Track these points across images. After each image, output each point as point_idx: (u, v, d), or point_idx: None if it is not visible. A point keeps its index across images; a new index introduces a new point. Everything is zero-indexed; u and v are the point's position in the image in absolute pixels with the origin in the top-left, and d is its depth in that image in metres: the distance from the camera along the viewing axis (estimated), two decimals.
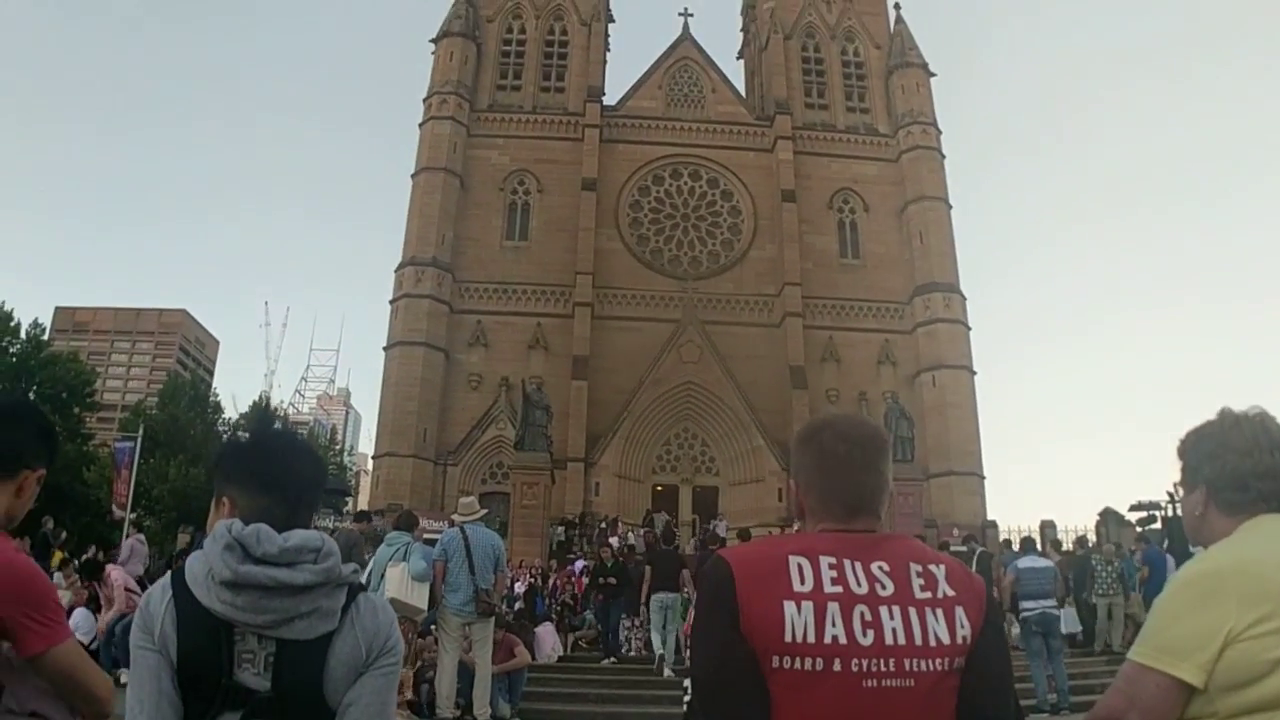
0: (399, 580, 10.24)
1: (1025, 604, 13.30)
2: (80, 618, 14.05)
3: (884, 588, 2.04)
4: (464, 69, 48.28)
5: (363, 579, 10.52)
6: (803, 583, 2.01)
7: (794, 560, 2.04)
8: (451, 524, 12.00)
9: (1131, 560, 18.17)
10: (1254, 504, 2.26)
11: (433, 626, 12.12)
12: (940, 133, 49.24)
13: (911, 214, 47.02)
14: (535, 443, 29.27)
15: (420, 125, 47.90)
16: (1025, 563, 13.91)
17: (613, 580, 16.58)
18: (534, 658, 13.46)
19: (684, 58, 51.15)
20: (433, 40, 49.54)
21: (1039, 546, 18.40)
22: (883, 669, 1.97)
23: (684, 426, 44.18)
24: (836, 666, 1.95)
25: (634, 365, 43.42)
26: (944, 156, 48.90)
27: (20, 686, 2.53)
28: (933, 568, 2.10)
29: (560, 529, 33.22)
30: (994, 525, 31.52)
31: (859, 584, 2.04)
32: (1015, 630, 13.63)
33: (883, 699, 1.96)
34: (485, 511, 11.63)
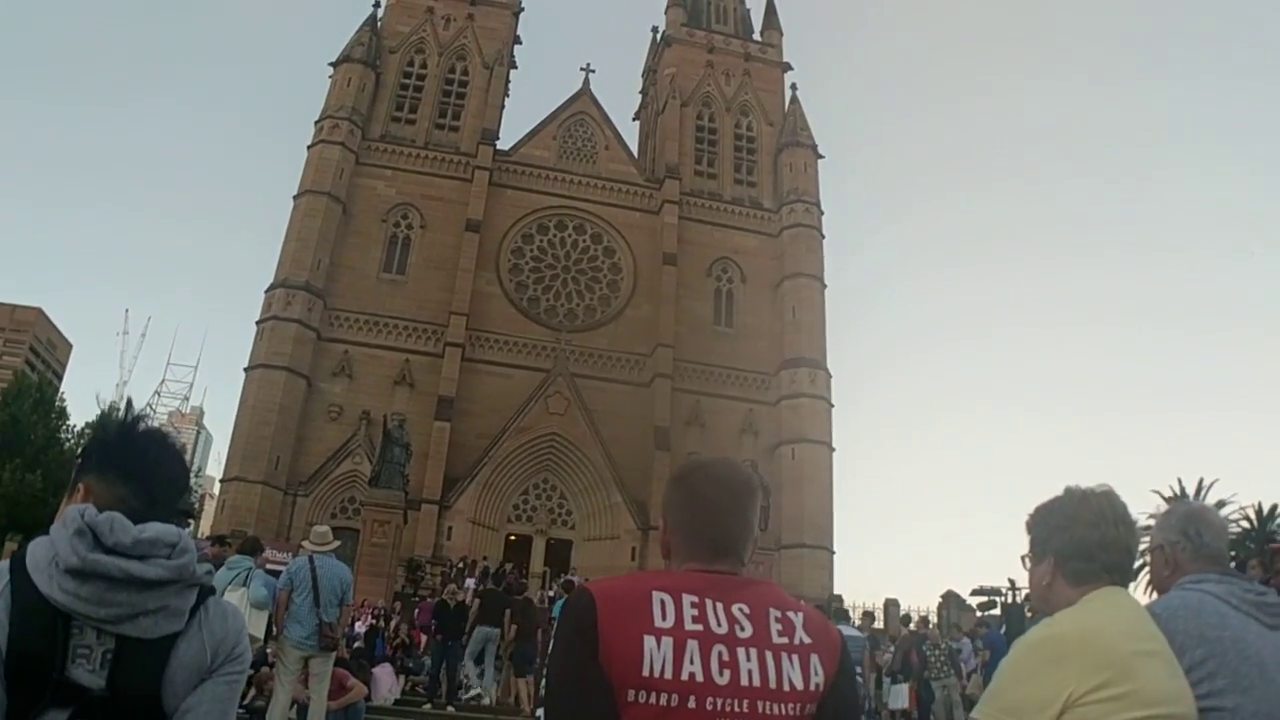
0: (238, 606, 9.87)
1: None
2: None
3: (743, 630, 2.06)
4: (360, 96, 47.75)
5: None
6: (664, 618, 2.02)
7: (657, 595, 2.04)
8: (299, 551, 11.66)
9: (962, 641, 18.71)
10: (1098, 575, 2.38)
11: (269, 654, 11.73)
12: (822, 213, 50.63)
13: (786, 289, 48.07)
14: (391, 480, 28.66)
15: (309, 147, 47.04)
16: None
17: (457, 624, 16.31)
18: (370, 697, 13.12)
19: (581, 112, 51.68)
20: (332, 64, 48.98)
21: (875, 623, 18.98)
22: (735, 710, 1.98)
23: (544, 477, 43.94)
24: (691, 704, 1.96)
25: (500, 411, 43.13)
26: (823, 236, 50.22)
27: None
28: (791, 614, 2.12)
29: (402, 570, 32.55)
30: (839, 600, 31.94)
31: (719, 624, 2.05)
32: None
33: None
34: (338, 544, 11.31)
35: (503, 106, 51.66)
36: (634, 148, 55.22)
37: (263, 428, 41.51)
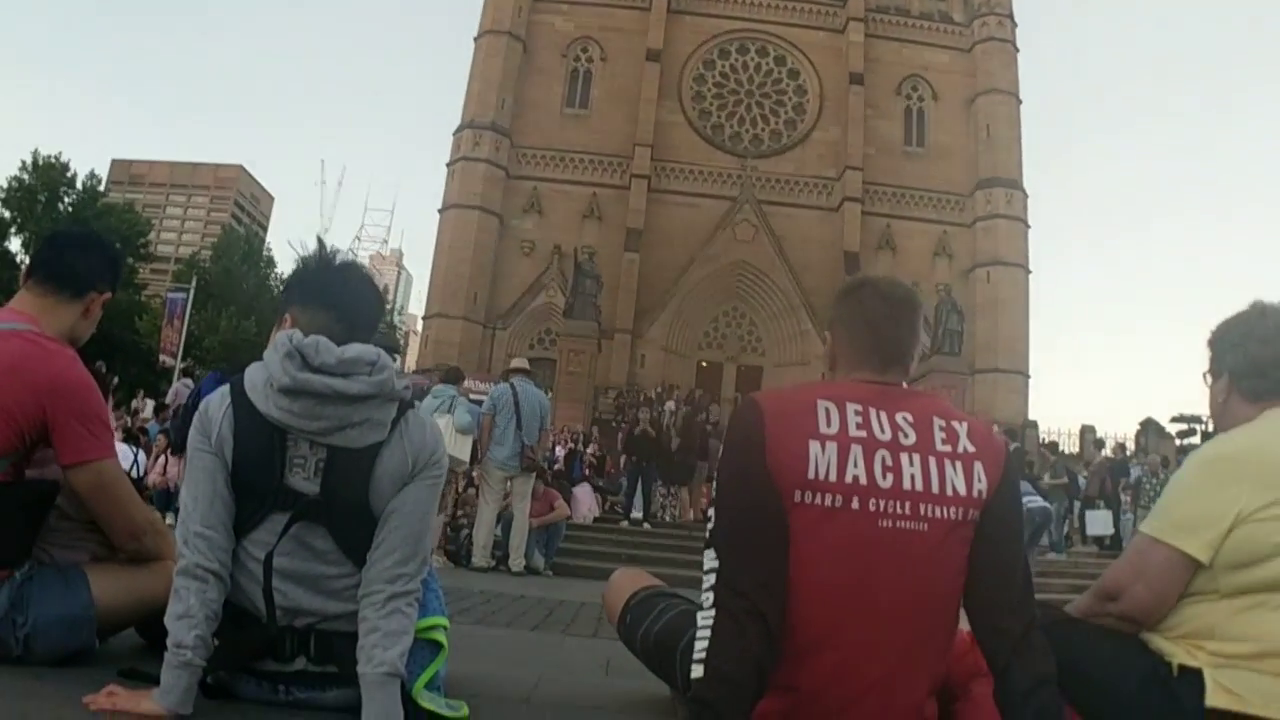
0: (443, 432, 10.45)
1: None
2: (121, 448, 14.56)
3: (906, 436, 2.15)
4: None
5: None
6: (829, 425, 2.12)
7: (822, 404, 2.15)
8: (504, 378, 12.19)
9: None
10: (1275, 391, 2.32)
11: (474, 476, 12.40)
12: (1016, 25, 47.38)
13: (980, 106, 45.73)
14: (584, 311, 29.38)
15: None
16: None
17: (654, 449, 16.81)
18: (571, 516, 13.80)
19: None
20: None
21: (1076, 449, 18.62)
22: (898, 510, 2.09)
23: (733, 305, 44.13)
24: (855, 504, 2.07)
25: (687, 241, 43.19)
26: (1018, 50, 47.19)
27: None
28: (956, 424, 2.20)
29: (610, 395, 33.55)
30: (1034, 425, 31.27)
31: (883, 430, 2.14)
32: None
33: (896, 539, 2.08)
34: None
35: None
36: None
37: (460, 265, 42.98)
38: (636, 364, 41.40)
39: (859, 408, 2.15)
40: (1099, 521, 17.75)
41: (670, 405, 26.22)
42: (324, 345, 2.24)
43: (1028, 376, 43.62)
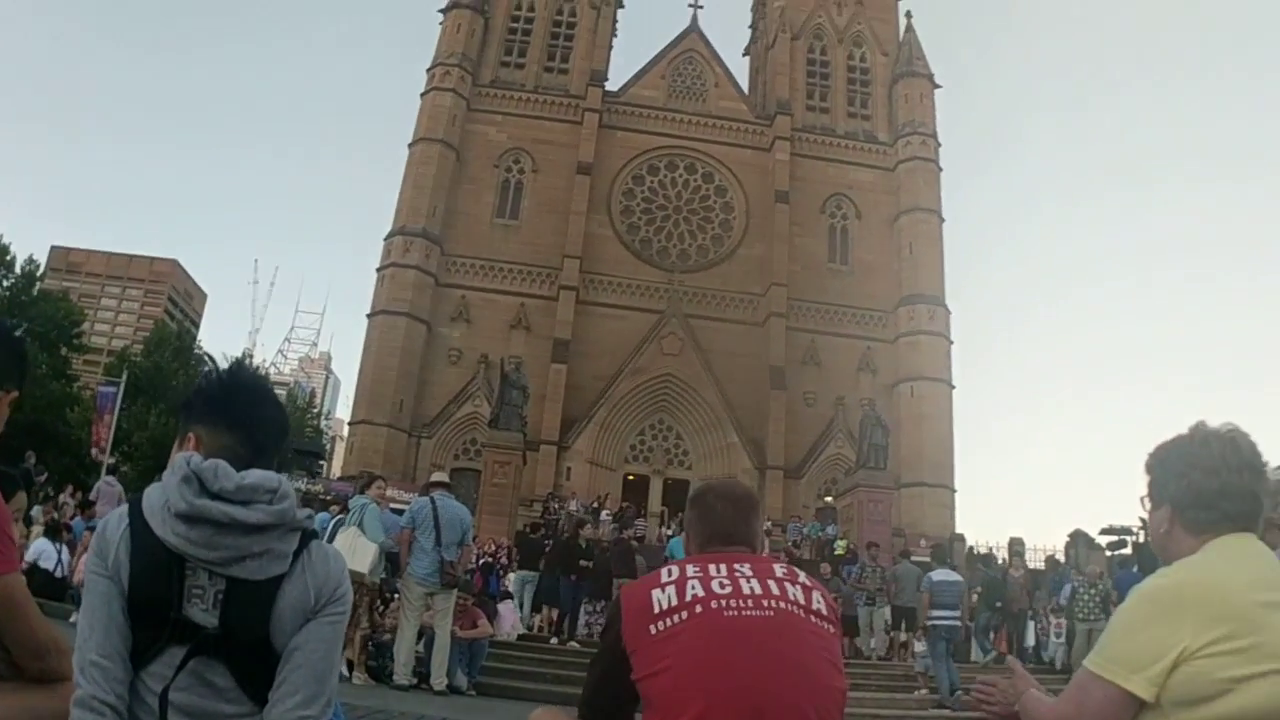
0: (345, 543, 10.26)
1: (935, 613, 14.25)
2: (43, 544, 14.07)
3: (743, 573, 2.50)
4: (470, 41, 48.13)
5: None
6: (669, 577, 2.49)
7: (664, 570, 2.56)
8: (423, 492, 12.05)
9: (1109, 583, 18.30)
10: (1219, 524, 2.24)
11: (394, 593, 12.14)
12: (939, 145, 49.38)
13: (903, 224, 47.13)
14: (510, 422, 29.18)
15: (422, 95, 47.75)
16: (938, 575, 14.74)
17: (587, 564, 16.63)
18: (495, 633, 13.49)
19: (690, 49, 51.16)
20: (441, 10, 49.39)
21: (1000, 559, 18.84)
22: (741, 605, 2.41)
23: (659, 418, 44.25)
24: (698, 609, 2.39)
25: (615, 353, 43.47)
26: (940, 169, 49.01)
27: None
28: (795, 570, 2.60)
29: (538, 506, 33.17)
30: (961, 539, 31.61)
31: (718, 572, 2.49)
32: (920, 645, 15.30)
33: (746, 623, 2.38)
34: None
35: (610, 47, 51.44)
36: (744, 84, 54.42)
37: (386, 372, 42.70)
38: (562, 476, 41.08)
39: (697, 566, 2.51)
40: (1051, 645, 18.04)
41: (605, 516, 26.02)
42: (223, 470, 2.11)
43: (954, 490, 44.12)
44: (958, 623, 14.73)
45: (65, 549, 14.37)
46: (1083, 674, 2.19)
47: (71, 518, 17.96)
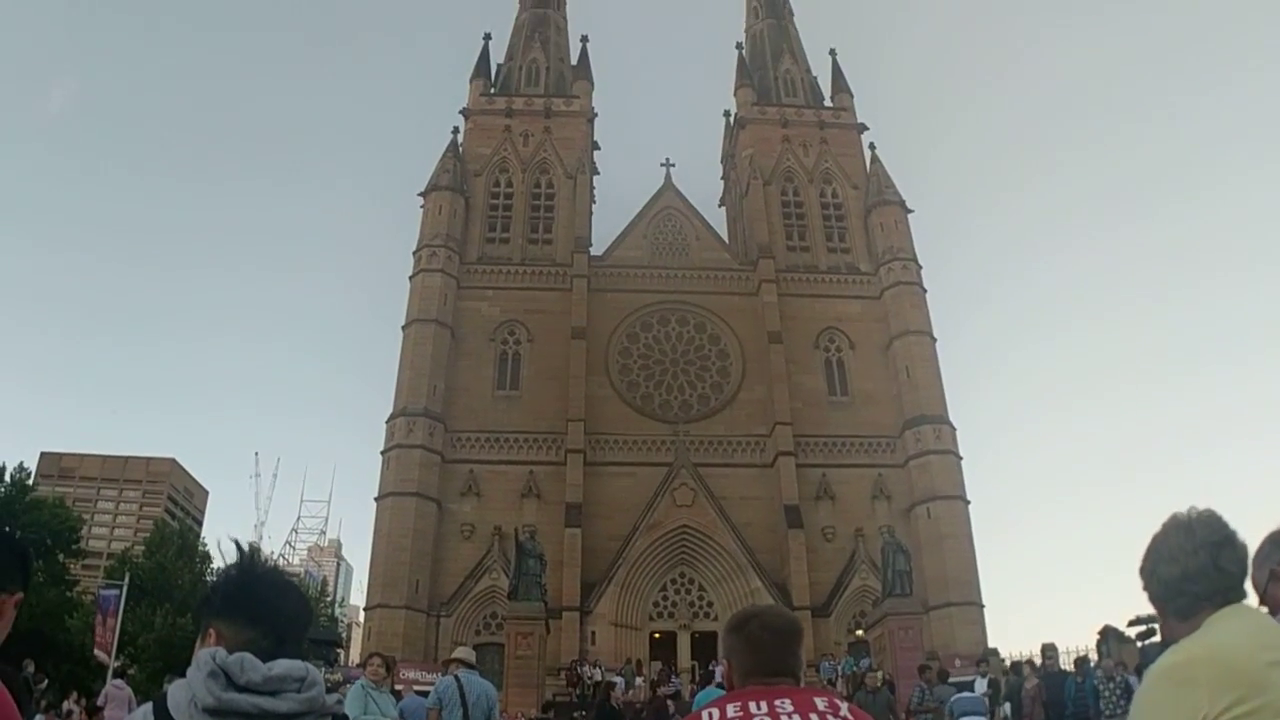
0: None
1: None
2: None
3: (785, 712, 2.50)
4: (453, 222, 49.32)
5: None
6: (709, 717, 2.55)
7: (705, 711, 2.59)
8: (445, 670, 11.90)
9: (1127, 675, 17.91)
10: (1195, 606, 2.33)
11: None
12: (920, 267, 50.06)
13: (897, 349, 47.47)
14: (529, 592, 28.89)
15: (410, 278, 48.62)
16: (954, 697, 16.43)
17: None
18: None
19: (667, 207, 52.49)
20: (421, 194, 50.74)
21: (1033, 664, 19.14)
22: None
23: (680, 571, 43.62)
24: None
25: (628, 511, 43.15)
26: (925, 290, 49.64)
27: None
28: (839, 701, 2.60)
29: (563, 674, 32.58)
30: (994, 653, 30.83)
31: (759, 709, 2.51)
32: None
33: None
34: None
35: (590, 213, 52.88)
36: (724, 233, 55.71)
37: (399, 554, 42.22)
38: (587, 641, 40.29)
39: (737, 707, 2.53)
40: None
41: (640, 680, 25.53)
42: (249, 662, 2.16)
43: (982, 606, 43.11)
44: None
45: None
46: None
47: None
